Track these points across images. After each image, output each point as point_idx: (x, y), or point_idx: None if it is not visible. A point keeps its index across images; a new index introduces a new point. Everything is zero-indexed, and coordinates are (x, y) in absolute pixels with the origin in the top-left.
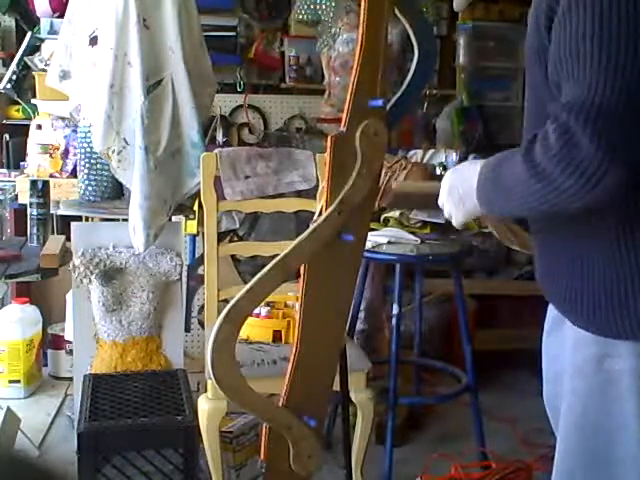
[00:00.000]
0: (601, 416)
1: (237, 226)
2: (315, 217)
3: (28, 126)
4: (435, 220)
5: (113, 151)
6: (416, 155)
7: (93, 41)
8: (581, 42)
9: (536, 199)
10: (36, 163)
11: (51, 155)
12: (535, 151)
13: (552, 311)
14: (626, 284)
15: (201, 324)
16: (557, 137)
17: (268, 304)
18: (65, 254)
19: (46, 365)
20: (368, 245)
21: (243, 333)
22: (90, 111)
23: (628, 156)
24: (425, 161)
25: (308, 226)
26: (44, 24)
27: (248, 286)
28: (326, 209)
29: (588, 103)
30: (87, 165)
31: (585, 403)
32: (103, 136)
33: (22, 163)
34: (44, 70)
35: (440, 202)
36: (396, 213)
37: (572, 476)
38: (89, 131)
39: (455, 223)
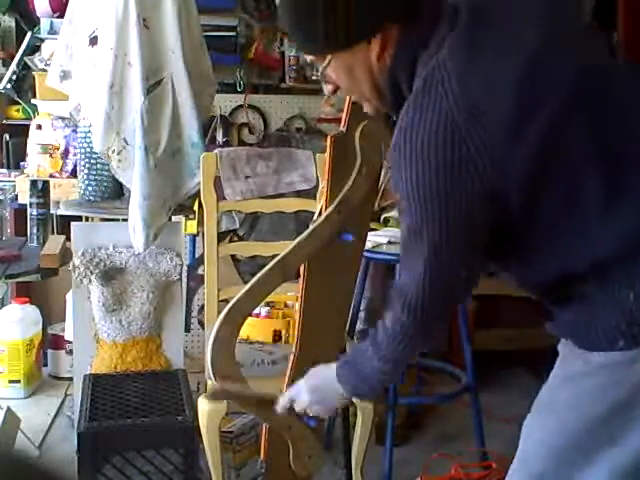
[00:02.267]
0: None
1: (237, 226)
2: (315, 217)
3: (28, 126)
4: None
5: (113, 151)
6: None
7: (93, 41)
8: (402, 245)
9: (384, 376)
10: (36, 163)
11: (51, 155)
12: (379, 341)
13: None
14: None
15: (201, 324)
16: (390, 323)
17: (268, 304)
18: (65, 254)
19: (46, 365)
20: (368, 245)
21: (243, 333)
22: (90, 111)
23: (435, 320)
24: None
25: (308, 226)
26: (44, 24)
27: (248, 286)
28: (326, 209)
29: (407, 296)
30: (87, 165)
31: None
32: (103, 136)
33: (22, 163)
34: (44, 70)
35: (299, 405)
36: (396, 213)
37: None
38: (89, 131)
39: (324, 415)
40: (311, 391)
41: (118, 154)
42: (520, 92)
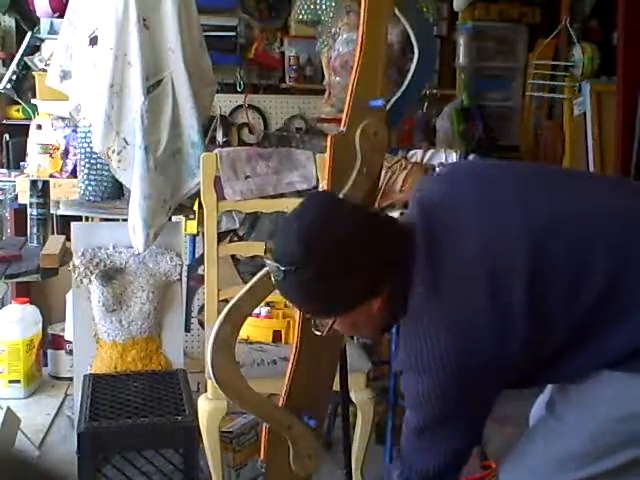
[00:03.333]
0: None
1: (237, 226)
2: None
3: (28, 126)
4: None
5: (113, 151)
6: (416, 155)
7: (93, 41)
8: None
9: None
10: (36, 163)
11: (51, 155)
12: None
13: None
14: None
15: (201, 324)
16: None
17: (268, 304)
18: (65, 254)
19: (46, 365)
20: None
21: (243, 333)
22: (90, 111)
23: None
24: (425, 161)
25: None
26: (44, 24)
27: (248, 286)
28: None
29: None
30: (87, 165)
31: None
32: (103, 136)
33: (22, 163)
34: (44, 70)
35: None
36: (396, 213)
37: None
38: (89, 131)
39: None
40: None
41: (118, 154)
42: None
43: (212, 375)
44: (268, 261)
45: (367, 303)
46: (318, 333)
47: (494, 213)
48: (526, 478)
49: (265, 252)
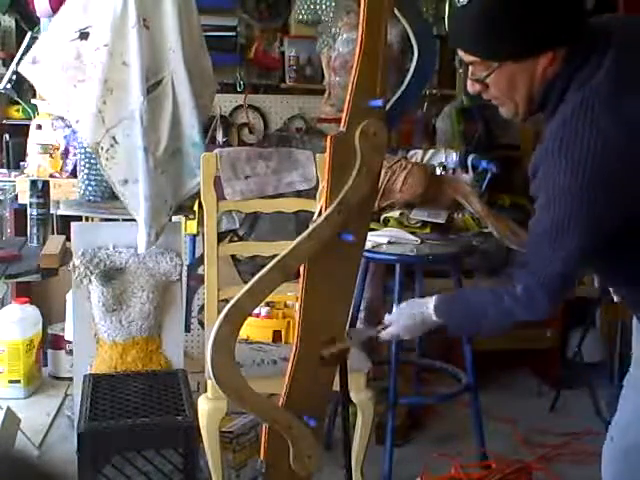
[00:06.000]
0: None
1: (237, 226)
2: (315, 217)
3: (28, 126)
4: (435, 220)
5: (102, 147)
6: (416, 155)
7: (84, 36)
8: (542, 234)
9: (497, 324)
10: (36, 163)
11: (51, 155)
12: (504, 300)
13: None
14: None
15: (201, 324)
16: (522, 292)
17: (268, 304)
18: (65, 254)
19: (46, 365)
20: (368, 245)
21: (243, 333)
22: (77, 104)
23: (561, 300)
24: (425, 161)
25: (308, 226)
26: (44, 24)
27: (248, 286)
28: (326, 209)
29: (544, 275)
30: (87, 165)
31: None
32: (91, 130)
33: (22, 163)
34: None
35: (396, 329)
36: (396, 213)
37: None
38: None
39: (403, 336)
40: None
41: (106, 151)
42: None
43: (212, 375)
44: None
45: (537, 56)
46: (472, 91)
47: None
48: None
49: None
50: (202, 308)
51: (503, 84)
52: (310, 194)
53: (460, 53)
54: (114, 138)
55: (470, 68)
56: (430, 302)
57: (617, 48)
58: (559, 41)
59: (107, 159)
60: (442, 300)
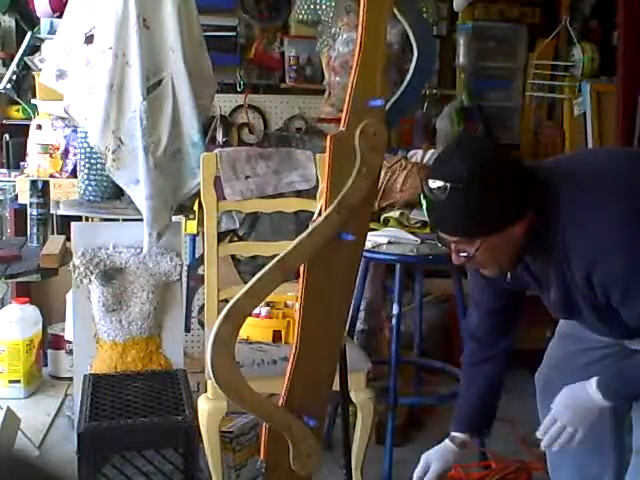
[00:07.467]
0: None
1: (237, 226)
2: (315, 217)
3: (28, 126)
4: None
5: (109, 149)
6: (416, 155)
7: (89, 39)
8: None
9: None
10: (36, 163)
11: (51, 155)
12: None
13: None
14: None
15: (201, 324)
16: None
17: (268, 304)
18: (65, 254)
19: (46, 365)
20: (368, 245)
21: (243, 333)
22: (85, 108)
23: None
24: (425, 161)
25: (308, 226)
26: (44, 24)
27: (248, 286)
28: (326, 209)
29: None
30: (87, 165)
31: None
32: (101, 132)
33: (22, 163)
34: None
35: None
36: (396, 213)
37: None
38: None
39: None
40: (573, 411)
41: (113, 153)
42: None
43: (212, 375)
44: (431, 182)
45: (514, 223)
46: (458, 263)
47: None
48: None
49: (421, 182)
50: (202, 308)
51: (488, 254)
52: (310, 194)
53: (442, 235)
54: (120, 139)
55: (453, 245)
56: (590, 388)
57: (566, 191)
58: (524, 211)
59: (114, 160)
60: (605, 385)
